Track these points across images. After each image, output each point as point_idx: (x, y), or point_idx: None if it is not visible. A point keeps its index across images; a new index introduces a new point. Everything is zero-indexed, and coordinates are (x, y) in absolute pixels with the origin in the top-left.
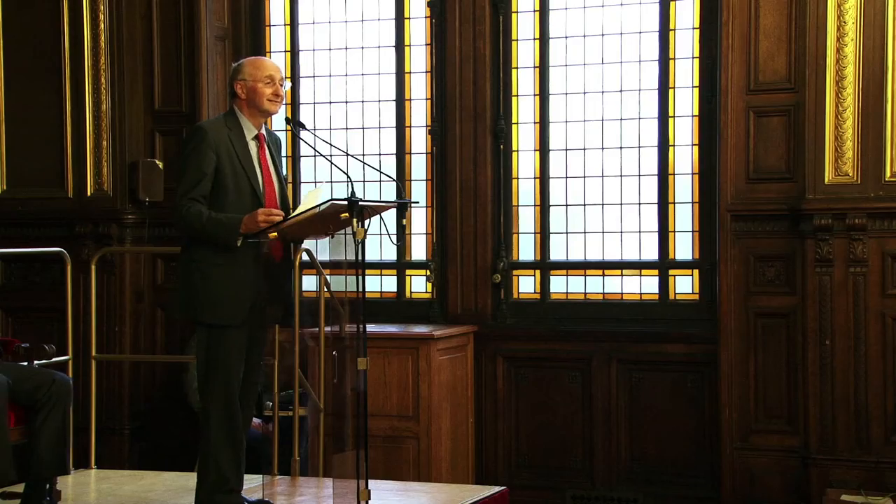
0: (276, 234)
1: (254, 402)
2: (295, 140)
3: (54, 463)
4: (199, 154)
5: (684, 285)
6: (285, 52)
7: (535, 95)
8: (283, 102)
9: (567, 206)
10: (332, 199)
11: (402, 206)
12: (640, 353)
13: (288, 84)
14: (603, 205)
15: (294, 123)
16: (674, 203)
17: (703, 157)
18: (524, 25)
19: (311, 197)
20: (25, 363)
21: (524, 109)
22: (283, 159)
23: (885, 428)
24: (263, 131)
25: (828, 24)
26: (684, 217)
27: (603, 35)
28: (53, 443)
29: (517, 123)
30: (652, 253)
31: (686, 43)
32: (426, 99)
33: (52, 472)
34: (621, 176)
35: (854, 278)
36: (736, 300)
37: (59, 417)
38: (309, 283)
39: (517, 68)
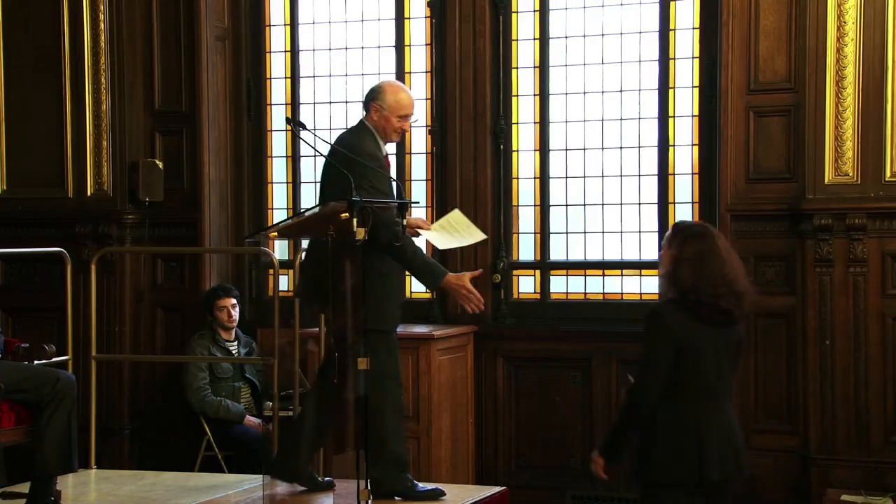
0: (276, 233)
1: None
2: (295, 140)
3: (59, 461)
4: (375, 176)
5: None
6: (285, 52)
7: (535, 95)
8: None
9: (567, 206)
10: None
11: (402, 206)
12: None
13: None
14: (603, 205)
15: (294, 123)
16: (674, 203)
17: (703, 157)
18: (524, 25)
19: (452, 220)
20: (26, 363)
21: (524, 109)
22: None
23: (885, 428)
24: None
25: (828, 24)
26: (684, 217)
27: (603, 35)
28: (58, 441)
29: (517, 123)
30: (652, 253)
31: (686, 43)
32: (426, 99)
33: (58, 470)
34: (621, 176)
35: (854, 278)
36: None
37: (65, 416)
38: None
39: (517, 68)
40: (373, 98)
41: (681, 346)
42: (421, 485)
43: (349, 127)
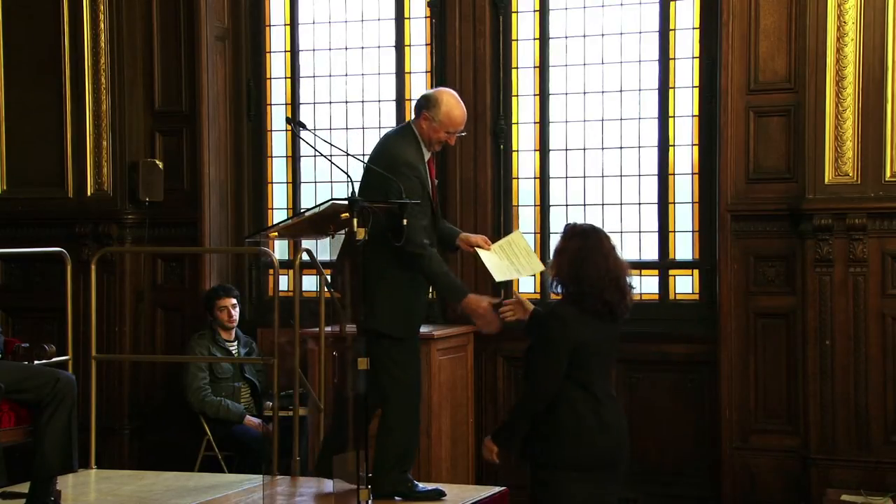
0: (276, 233)
1: None
2: (295, 140)
3: (59, 461)
4: (413, 191)
5: (684, 285)
6: (285, 52)
7: (535, 95)
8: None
9: (567, 206)
10: (332, 199)
11: (402, 207)
12: (640, 354)
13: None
14: (603, 205)
15: (294, 123)
16: (674, 203)
17: (703, 157)
18: (524, 25)
19: (513, 243)
20: (26, 363)
21: (524, 109)
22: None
23: (885, 428)
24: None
25: (828, 24)
26: (684, 217)
27: (603, 35)
28: (59, 441)
29: (517, 123)
30: (652, 253)
31: (686, 43)
32: None
33: (58, 470)
34: (621, 176)
35: (854, 278)
36: (736, 300)
37: (65, 415)
38: (309, 282)
39: (517, 68)
40: (426, 107)
41: (577, 343)
42: (421, 485)
43: (396, 127)
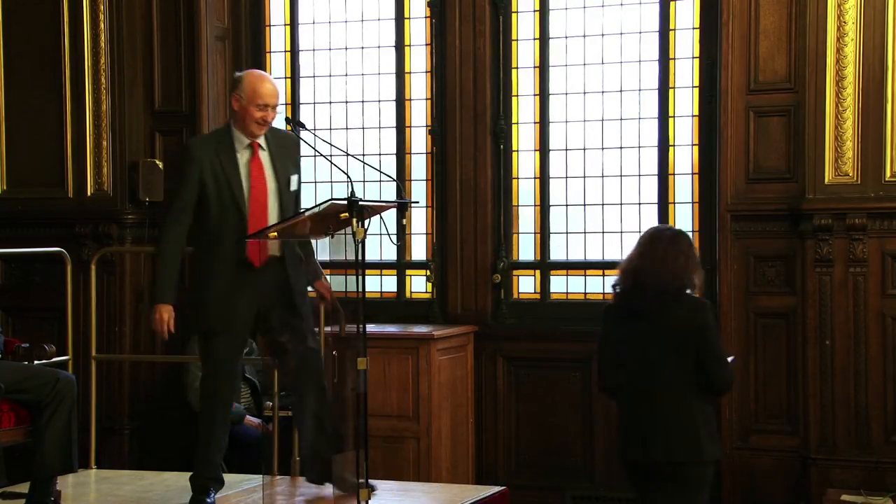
0: (275, 233)
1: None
2: None
3: (59, 461)
4: (182, 171)
5: None
6: (285, 52)
7: (535, 95)
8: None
9: (567, 206)
10: (332, 199)
11: (402, 206)
12: None
13: (280, 111)
14: (603, 205)
15: (294, 123)
16: (674, 203)
17: (703, 157)
18: (524, 25)
19: None
20: (26, 363)
21: (524, 109)
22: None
23: (885, 428)
24: (261, 140)
25: (828, 24)
26: (684, 217)
27: (603, 35)
28: (59, 441)
29: (517, 123)
30: None
31: (686, 43)
32: (426, 99)
33: (58, 470)
34: (621, 176)
35: (854, 278)
36: (736, 300)
37: (65, 416)
38: None
39: (517, 68)
40: (233, 89)
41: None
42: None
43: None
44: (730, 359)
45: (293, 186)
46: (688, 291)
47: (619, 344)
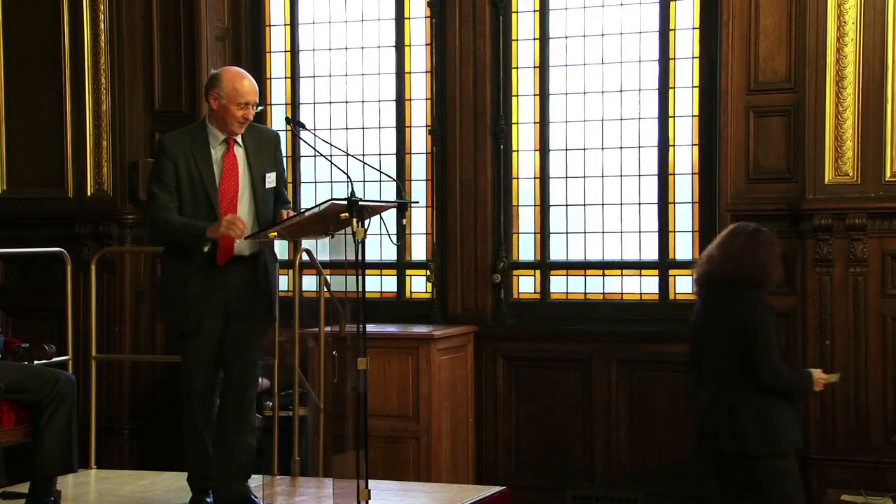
0: (275, 233)
1: (244, 404)
2: (295, 140)
3: (59, 461)
4: (158, 166)
5: (684, 285)
6: (285, 52)
7: (535, 95)
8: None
9: (567, 206)
10: (332, 199)
11: (402, 206)
12: (640, 353)
13: (258, 108)
14: (603, 205)
15: (294, 123)
16: (674, 203)
17: (703, 157)
18: (524, 25)
19: None
20: (26, 363)
21: (524, 109)
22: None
23: (885, 428)
24: (237, 137)
25: (828, 24)
26: (684, 217)
27: (603, 35)
28: (59, 441)
29: (517, 123)
30: (652, 253)
31: (686, 43)
32: (426, 99)
33: (58, 470)
34: (621, 176)
35: (854, 278)
36: None
37: (65, 416)
38: (309, 283)
39: (517, 68)
40: (211, 86)
41: None
42: None
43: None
44: (812, 370)
45: (270, 184)
46: (761, 288)
47: (695, 334)
